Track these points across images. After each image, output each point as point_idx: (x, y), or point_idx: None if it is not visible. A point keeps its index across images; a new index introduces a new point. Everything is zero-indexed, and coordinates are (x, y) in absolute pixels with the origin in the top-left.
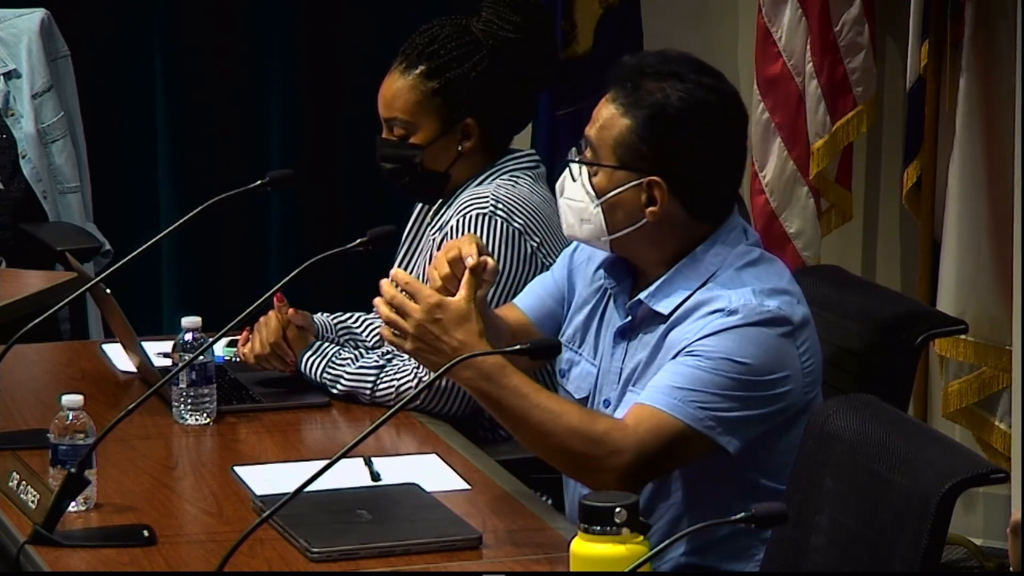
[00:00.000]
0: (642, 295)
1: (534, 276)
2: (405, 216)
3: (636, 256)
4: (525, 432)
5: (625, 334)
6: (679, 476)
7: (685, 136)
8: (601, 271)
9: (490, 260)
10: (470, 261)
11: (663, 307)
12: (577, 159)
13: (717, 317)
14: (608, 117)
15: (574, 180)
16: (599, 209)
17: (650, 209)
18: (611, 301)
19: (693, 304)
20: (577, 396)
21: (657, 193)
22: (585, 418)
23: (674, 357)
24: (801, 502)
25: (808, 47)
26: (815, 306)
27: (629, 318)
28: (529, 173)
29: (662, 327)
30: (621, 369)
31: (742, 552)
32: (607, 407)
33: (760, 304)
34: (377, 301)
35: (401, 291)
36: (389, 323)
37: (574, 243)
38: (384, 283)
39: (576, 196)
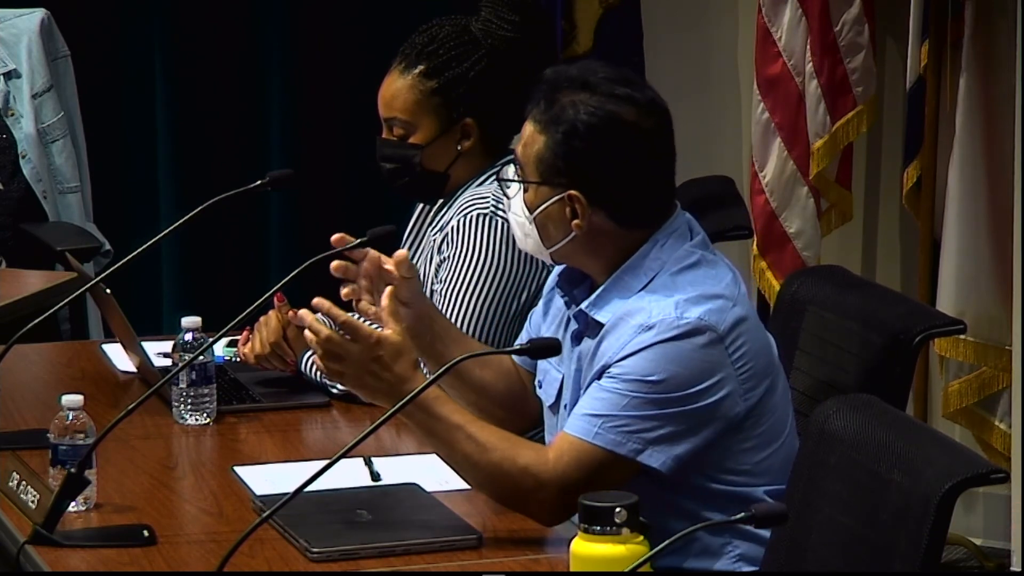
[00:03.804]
0: (583, 305)
1: (534, 276)
2: (405, 216)
3: (579, 265)
4: (455, 464)
5: (578, 339)
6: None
7: (596, 149)
8: (558, 286)
9: (397, 256)
10: (390, 267)
11: (602, 316)
12: (508, 177)
13: (636, 334)
14: (529, 134)
15: (510, 197)
16: (533, 225)
17: (575, 222)
18: (567, 306)
19: (622, 314)
20: (547, 404)
21: (577, 207)
22: (509, 452)
23: (597, 376)
24: (801, 502)
25: (808, 47)
26: (815, 306)
27: (577, 325)
28: None
29: (600, 331)
30: (576, 373)
31: (718, 549)
32: (566, 410)
33: (679, 317)
34: (308, 336)
35: (330, 325)
36: (329, 361)
37: (546, 292)
38: (308, 316)
39: (517, 212)
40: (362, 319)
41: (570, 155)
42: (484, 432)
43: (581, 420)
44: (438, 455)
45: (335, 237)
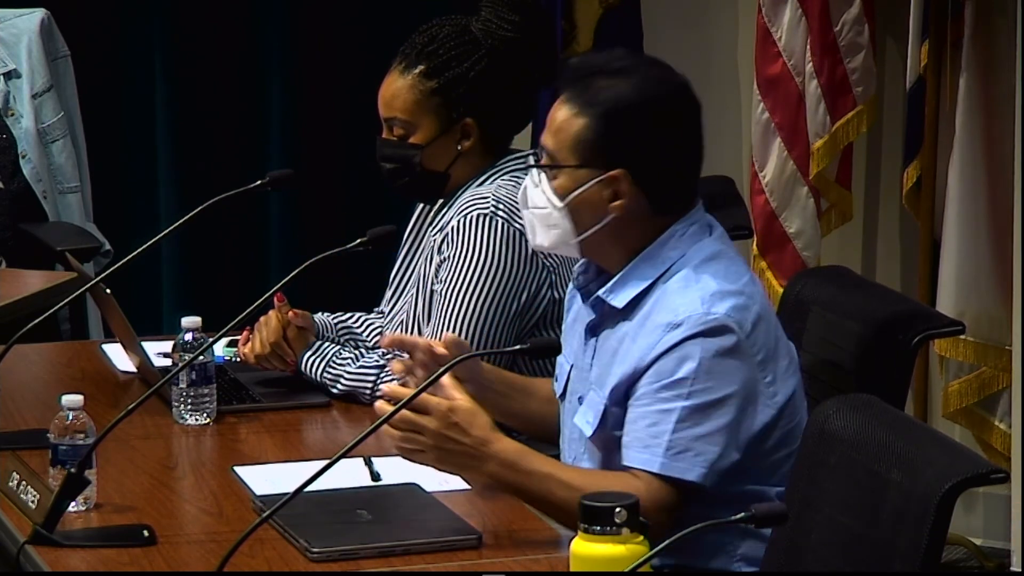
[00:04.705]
0: (600, 292)
1: (535, 277)
2: (405, 216)
3: (603, 256)
4: (553, 511)
5: (594, 331)
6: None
7: (641, 128)
8: (576, 279)
9: (446, 341)
10: (441, 349)
11: (618, 301)
12: (538, 164)
13: (664, 332)
14: (564, 119)
15: (535, 186)
16: (565, 211)
17: (614, 204)
18: (583, 300)
19: (647, 310)
20: (558, 394)
21: (621, 186)
22: (603, 487)
23: (630, 380)
24: (801, 502)
25: (808, 47)
26: (818, 306)
27: (594, 315)
28: None
29: (619, 322)
30: (591, 366)
31: (720, 548)
32: (581, 404)
33: (706, 312)
34: (388, 431)
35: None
36: (407, 442)
37: (567, 298)
38: (384, 406)
39: (540, 203)
40: None
41: (614, 134)
42: (575, 475)
43: (645, 452)
44: (532, 507)
45: (386, 340)
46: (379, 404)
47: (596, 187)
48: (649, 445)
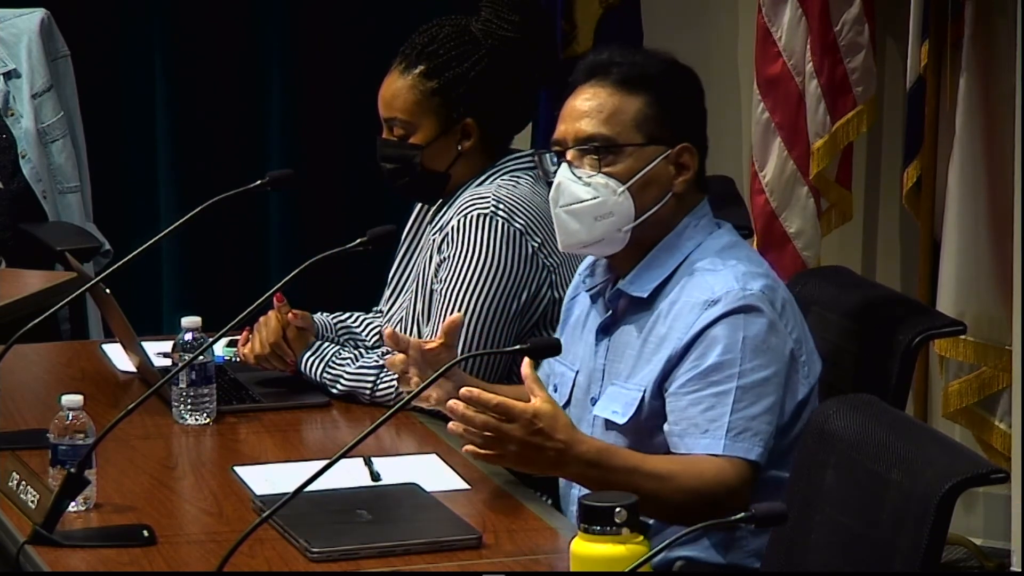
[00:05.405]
0: (620, 284)
1: (535, 277)
2: (405, 216)
3: (641, 244)
4: (642, 504)
5: (607, 330)
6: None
7: (693, 98)
8: (583, 282)
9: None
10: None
11: (642, 291)
12: (597, 149)
13: (703, 310)
14: (614, 103)
15: (578, 179)
16: (626, 195)
17: (679, 179)
18: (589, 304)
19: (674, 295)
20: (561, 402)
21: (687, 158)
22: (691, 471)
23: (669, 363)
24: (801, 502)
25: (808, 47)
26: (818, 306)
27: (609, 312)
28: (530, 173)
29: (640, 314)
30: (605, 365)
31: (732, 543)
32: (594, 404)
33: (743, 288)
34: (453, 427)
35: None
36: (488, 447)
37: (564, 307)
38: (459, 406)
39: (586, 196)
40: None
41: (676, 106)
42: (658, 463)
43: (705, 437)
44: None
45: (388, 332)
46: (452, 403)
47: (662, 164)
48: (708, 430)
